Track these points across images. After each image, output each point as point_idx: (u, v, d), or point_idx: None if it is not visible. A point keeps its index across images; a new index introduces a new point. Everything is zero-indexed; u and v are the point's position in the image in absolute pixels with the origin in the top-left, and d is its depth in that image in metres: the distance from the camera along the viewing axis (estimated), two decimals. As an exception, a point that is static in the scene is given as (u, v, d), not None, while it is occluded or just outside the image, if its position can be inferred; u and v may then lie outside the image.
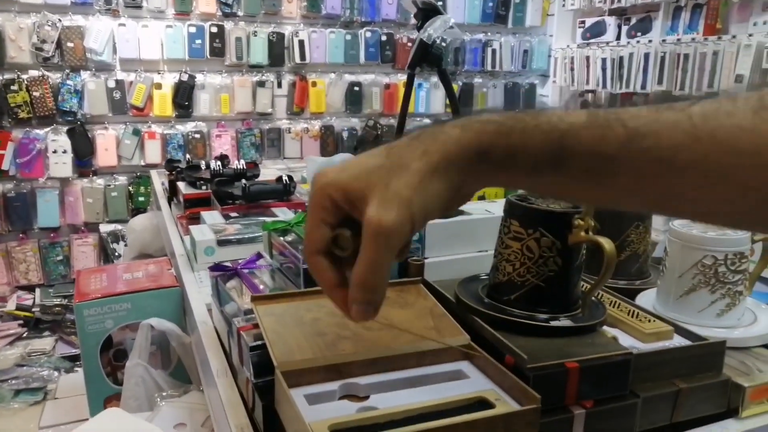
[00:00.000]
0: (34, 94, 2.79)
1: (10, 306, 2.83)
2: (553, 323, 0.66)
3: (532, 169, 0.42)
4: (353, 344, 0.62)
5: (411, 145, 0.43)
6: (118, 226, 2.99)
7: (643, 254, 0.92)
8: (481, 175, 0.44)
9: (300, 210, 0.98)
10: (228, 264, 0.85)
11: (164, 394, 0.95)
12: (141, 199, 3.08)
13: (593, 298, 0.71)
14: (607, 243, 0.63)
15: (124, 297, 1.06)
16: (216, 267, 0.83)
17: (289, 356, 0.60)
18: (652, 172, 0.40)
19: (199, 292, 1.02)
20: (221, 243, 1.11)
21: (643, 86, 3.14)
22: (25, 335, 2.84)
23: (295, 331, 0.63)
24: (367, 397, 0.59)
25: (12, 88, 2.76)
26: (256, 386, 0.63)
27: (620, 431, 0.62)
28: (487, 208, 0.90)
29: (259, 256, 0.87)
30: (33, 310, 2.86)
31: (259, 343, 0.63)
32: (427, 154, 0.42)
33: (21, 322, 2.85)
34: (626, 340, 0.69)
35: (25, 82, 2.78)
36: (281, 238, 0.87)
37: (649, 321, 0.72)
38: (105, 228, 3.00)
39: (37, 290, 2.96)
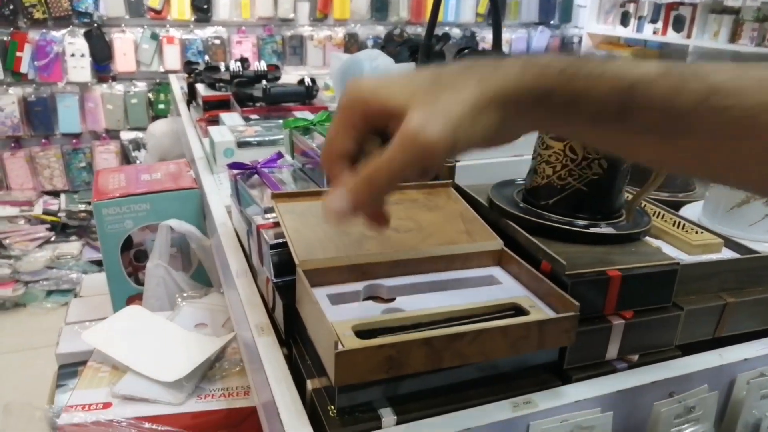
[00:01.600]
0: (49, -8, 2.69)
1: (37, 210, 2.86)
2: (594, 230, 0.62)
3: (594, 119, 0.38)
4: (379, 244, 0.59)
5: (464, 73, 0.39)
6: (139, 134, 2.96)
7: (690, 165, 0.85)
8: (536, 120, 0.40)
9: (323, 110, 0.92)
10: (247, 163, 0.81)
11: (185, 295, 0.94)
12: (161, 106, 3.02)
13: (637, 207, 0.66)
14: (661, 143, 0.57)
15: (143, 197, 1.03)
16: (235, 165, 0.79)
17: (311, 254, 0.56)
18: (728, 134, 0.35)
19: (218, 194, 0.99)
20: (241, 145, 1.07)
21: (691, -5, 2.92)
22: (52, 239, 2.91)
23: (318, 229, 0.60)
24: (392, 299, 0.56)
25: (26, -15, 2.66)
26: (277, 286, 0.60)
27: (659, 344, 0.58)
28: (524, 110, 0.83)
29: (279, 155, 0.83)
30: (59, 214, 2.91)
31: (280, 241, 0.60)
32: (483, 82, 0.38)
33: (48, 226, 2.90)
34: (671, 252, 0.64)
35: (39, -21, 2.68)
36: (303, 138, 0.82)
37: (696, 233, 0.67)
38: (126, 135, 2.98)
39: (62, 196, 2.99)
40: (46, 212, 2.88)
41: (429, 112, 0.37)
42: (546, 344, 0.51)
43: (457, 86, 0.38)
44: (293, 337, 0.58)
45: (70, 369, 0.90)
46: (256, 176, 0.80)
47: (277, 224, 0.64)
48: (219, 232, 0.85)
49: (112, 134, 3.02)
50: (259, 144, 1.08)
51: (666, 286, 0.57)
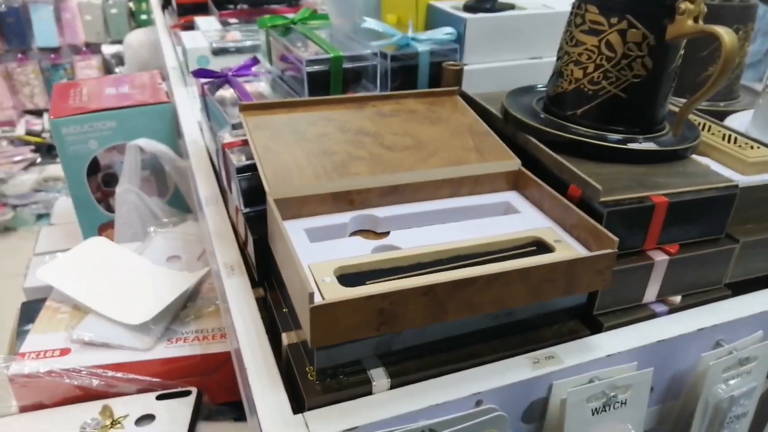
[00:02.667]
0: None
1: (20, 131, 2.73)
2: (632, 146, 0.51)
3: None
4: (370, 166, 0.48)
5: None
6: (122, 48, 2.77)
7: (737, 68, 0.73)
8: None
9: (305, 7, 0.79)
10: (217, 70, 0.69)
11: (157, 223, 0.85)
12: (143, 17, 2.82)
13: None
14: (727, 34, 0.45)
15: (108, 113, 0.91)
16: (201, 72, 0.67)
17: (287, 180, 0.46)
18: None
19: (192, 108, 0.87)
20: (217, 52, 0.93)
21: None
22: (38, 161, 2.78)
23: (295, 148, 0.49)
24: (386, 234, 0.46)
25: None
26: (247, 217, 0.50)
27: (706, 283, 0.49)
28: (545, 3, 0.70)
29: (255, 61, 0.70)
30: (43, 135, 2.77)
31: (249, 163, 0.49)
32: None
33: (33, 147, 2.77)
34: (722, 173, 0.53)
35: None
36: (283, 39, 0.69)
37: (752, 148, 0.55)
38: (108, 49, 2.79)
39: (45, 115, 2.84)
40: (29, 133, 2.74)
41: None
42: (576, 289, 0.41)
43: None
44: (267, 279, 0.49)
45: (36, 305, 0.81)
46: (225, 87, 0.68)
47: (247, 142, 0.53)
48: (190, 151, 0.74)
49: (93, 48, 2.83)
50: (239, 51, 0.95)
51: (721, 213, 0.47)
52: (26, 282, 0.91)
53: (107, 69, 2.81)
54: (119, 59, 2.80)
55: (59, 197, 2.67)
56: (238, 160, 0.50)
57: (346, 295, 0.35)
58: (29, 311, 0.80)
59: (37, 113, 2.85)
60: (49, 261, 0.75)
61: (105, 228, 0.97)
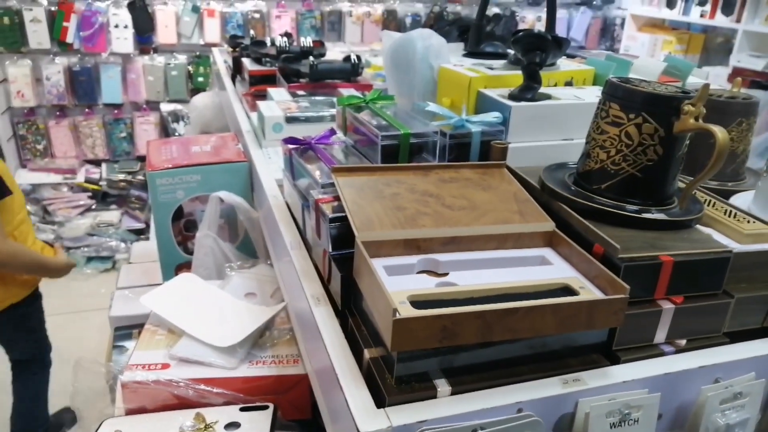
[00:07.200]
0: (95, -36, 2.73)
1: (80, 178, 2.95)
2: (646, 215, 0.62)
3: None
4: (433, 220, 0.60)
5: None
6: (178, 106, 3.01)
7: (742, 154, 0.85)
8: None
9: (374, 89, 0.93)
10: (301, 138, 0.83)
11: (234, 265, 0.98)
12: (200, 79, 3.07)
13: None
14: (720, 132, 0.57)
15: (195, 168, 1.06)
16: (289, 140, 0.81)
17: (369, 227, 0.58)
18: None
19: (267, 167, 1.01)
20: (289, 120, 1.09)
21: None
22: (93, 207, 2.99)
23: (375, 204, 0.62)
24: (446, 274, 0.58)
25: (72, -44, 2.70)
26: (334, 258, 0.62)
27: (707, 330, 0.59)
28: (576, 94, 0.84)
29: (332, 132, 0.84)
30: (100, 183, 2.98)
31: (339, 215, 0.62)
32: None
33: (90, 194, 2.98)
34: (722, 241, 0.64)
35: (85, -49, 2.72)
36: (356, 114, 0.83)
37: (748, 222, 0.67)
38: (165, 107, 3.03)
39: (103, 165, 3.07)
40: (88, 180, 2.96)
41: None
42: (595, 324, 0.52)
43: None
44: (349, 308, 0.60)
45: (124, 331, 0.95)
46: (307, 152, 0.82)
47: (335, 198, 0.66)
48: (270, 204, 0.88)
49: (152, 106, 3.08)
50: (307, 120, 1.10)
51: (717, 273, 0.58)
52: (111, 312, 1.04)
53: (163, 125, 3.04)
54: (175, 116, 3.03)
55: (109, 241, 2.85)
56: (329, 212, 0.63)
57: (418, 314, 0.47)
58: (121, 335, 0.93)
59: (96, 163, 3.07)
60: (133, 293, 0.89)
61: (181, 268, 1.10)
